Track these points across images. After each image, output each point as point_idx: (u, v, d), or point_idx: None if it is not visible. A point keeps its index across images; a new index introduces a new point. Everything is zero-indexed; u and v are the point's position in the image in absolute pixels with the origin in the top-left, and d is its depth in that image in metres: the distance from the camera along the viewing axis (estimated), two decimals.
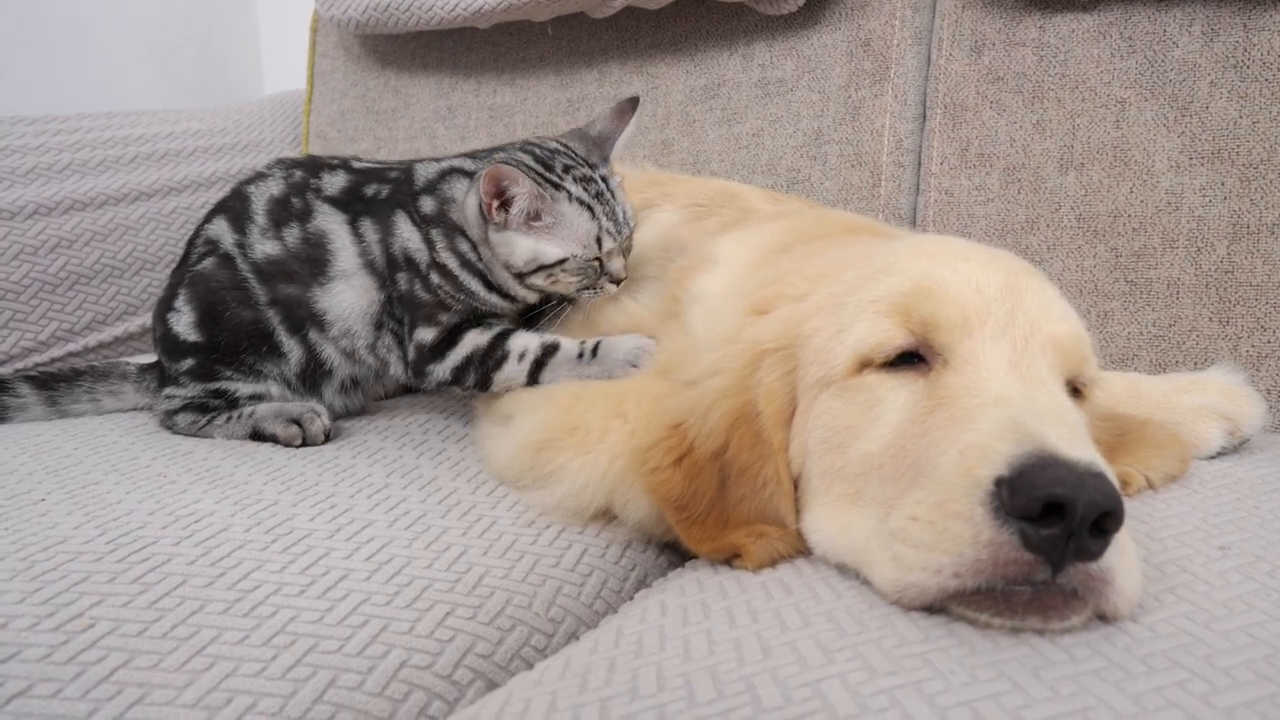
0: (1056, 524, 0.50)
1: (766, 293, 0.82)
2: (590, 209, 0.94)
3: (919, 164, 1.34)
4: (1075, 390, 0.69)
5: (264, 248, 1.01)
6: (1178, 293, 1.13)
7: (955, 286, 0.65)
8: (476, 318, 0.99)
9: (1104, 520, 0.50)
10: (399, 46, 1.84)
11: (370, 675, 0.61)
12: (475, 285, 0.96)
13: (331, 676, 0.60)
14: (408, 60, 1.84)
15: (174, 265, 1.10)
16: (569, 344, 0.94)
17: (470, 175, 0.98)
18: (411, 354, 0.98)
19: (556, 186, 0.93)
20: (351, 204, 1.00)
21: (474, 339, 0.96)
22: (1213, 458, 0.85)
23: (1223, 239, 1.10)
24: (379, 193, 1.00)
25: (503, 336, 0.96)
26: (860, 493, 0.64)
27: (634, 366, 0.89)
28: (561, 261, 0.93)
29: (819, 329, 0.71)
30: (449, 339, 0.96)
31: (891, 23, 1.34)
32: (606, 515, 0.85)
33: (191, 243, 1.07)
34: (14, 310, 1.39)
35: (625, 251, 0.99)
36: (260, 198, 1.03)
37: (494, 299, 0.98)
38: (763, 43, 1.46)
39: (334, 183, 1.02)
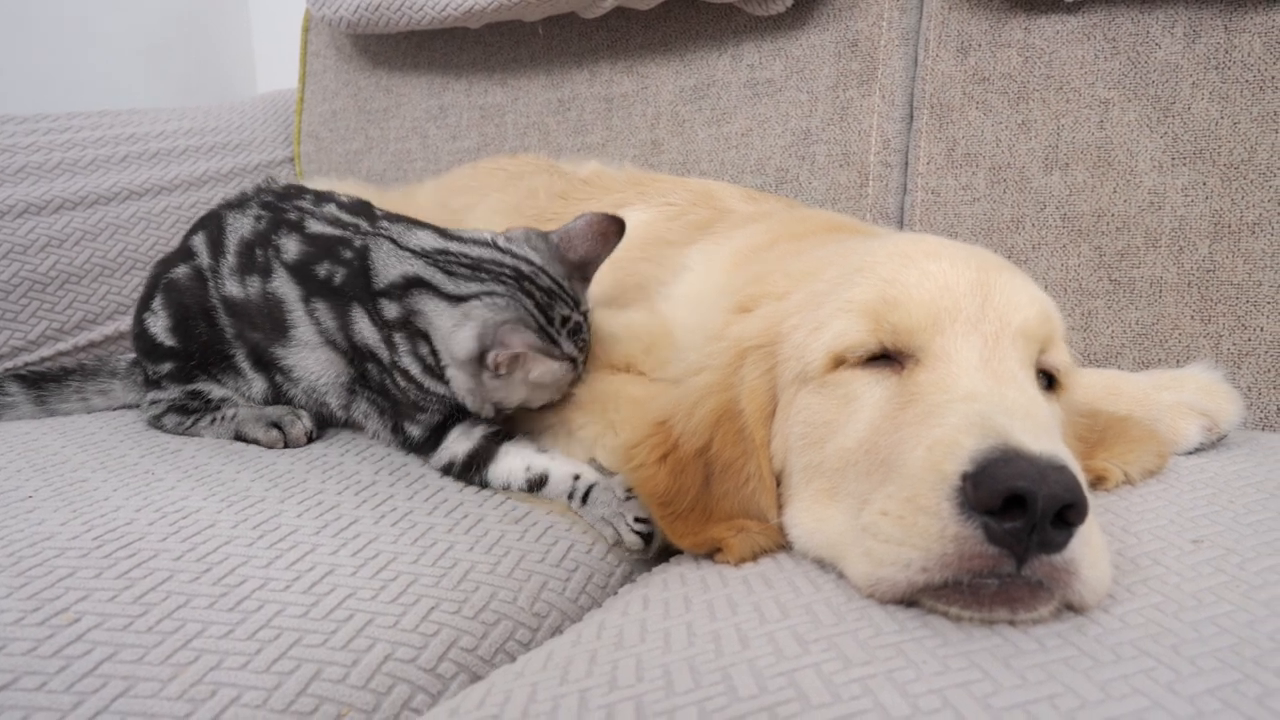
0: (1019, 517, 0.51)
1: (750, 291, 0.82)
2: (574, 362, 0.91)
3: (906, 164, 1.35)
4: (1051, 380, 0.70)
5: (232, 288, 0.97)
6: (1160, 291, 1.14)
7: (922, 290, 0.66)
8: (460, 413, 0.93)
9: (1066, 513, 0.51)
10: (390, 46, 1.85)
11: (354, 669, 0.62)
12: (440, 389, 0.90)
13: (316, 670, 0.61)
14: (399, 60, 1.84)
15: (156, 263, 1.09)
16: (559, 481, 0.87)
17: (448, 299, 0.88)
18: (406, 442, 0.95)
19: (553, 343, 0.89)
20: (304, 280, 0.94)
21: (451, 448, 0.91)
22: (1191, 453, 0.86)
23: (1204, 238, 1.11)
24: (332, 276, 0.92)
25: (480, 460, 0.90)
26: (837, 488, 0.65)
27: (625, 521, 0.83)
28: (544, 406, 0.93)
29: (798, 326, 0.72)
30: (434, 438, 0.93)
31: (879, 24, 1.35)
32: None
33: (181, 245, 1.06)
34: (3, 309, 1.39)
35: None
36: (234, 234, 0.99)
37: (456, 398, 0.92)
38: (751, 43, 1.46)
39: (290, 248, 0.95)
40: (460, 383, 0.89)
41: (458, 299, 0.88)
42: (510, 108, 1.71)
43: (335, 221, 0.98)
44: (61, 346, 1.44)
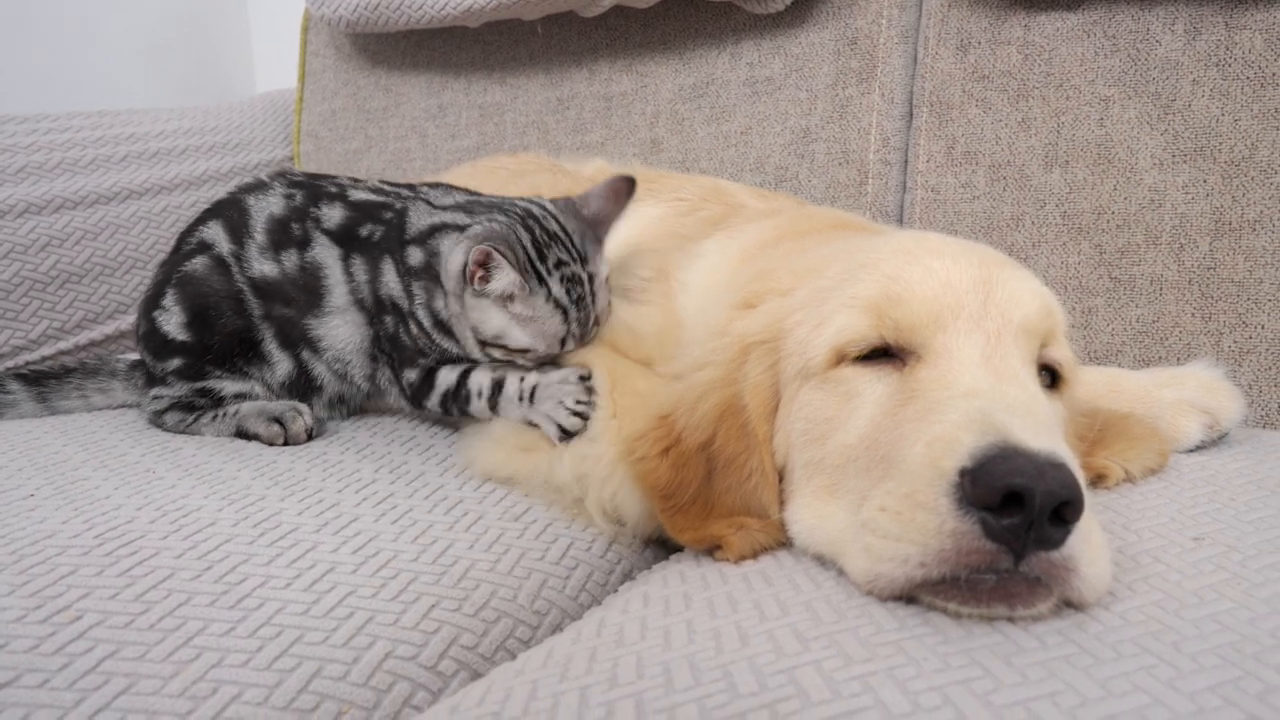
0: (1016, 513, 0.51)
1: (755, 287, 0.83)
2: (565, 313, 0.92)
3: (905, 162, 1.35)
4: (1052, 379, 0.70)
5: (262, 267, 1.00)
6: (1161, 289, 1.14)
7: (925, 286, 0.66)
8: (451, 359, 0.98)
9: (1063, 510, 0.51)
10: (390, 45, 1.85)
11: (355, 666, 0.62)
12: (447, 343, 0.96)
13: (317, 667, 0.61)
14: (398, 59, 1.84)
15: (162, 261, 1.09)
16: (511, 385, 0.94)
17: (462, 229, 0.94)
18: (407, 390, 1.00)
19: (540, 281, 0.91)
20: (346, 241, 0.99)
21: (445, 378, 0.97)
22: (1192, 451, 0.86)
23: (1205, 235, 1.11)
24: (372, 234, 0.98)
25: (466, 374, 0.97)
26: (838, 484, 0.65)
27: (564, 407, 0.88)
28: (524, 350, 0.93)
29: (801, 322, 0.72)
30: (429, 378, 0.97)
31: (878, 21, 1.35)
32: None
33: (183, 239, 1.06)
34: (4, 308, 1.39)
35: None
36: (260, 214, 1.01)
37: (461, 351, 0.97)
38: (751, 41, 1.46)
39: (332, 215, 1.00)
40: (454, 308, 0.93)
41: (468, 229, 0.93)
42: (509, 106, 1.71)
43: (379, 190, 1.03)
44: (62, 346, 1.44)
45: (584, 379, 0.90)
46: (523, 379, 0.93)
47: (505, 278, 0.89)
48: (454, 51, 1.77)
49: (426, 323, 0.95)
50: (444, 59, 1.78)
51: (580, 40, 1.63)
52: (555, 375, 0.91)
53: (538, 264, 0.91)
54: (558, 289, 0.92)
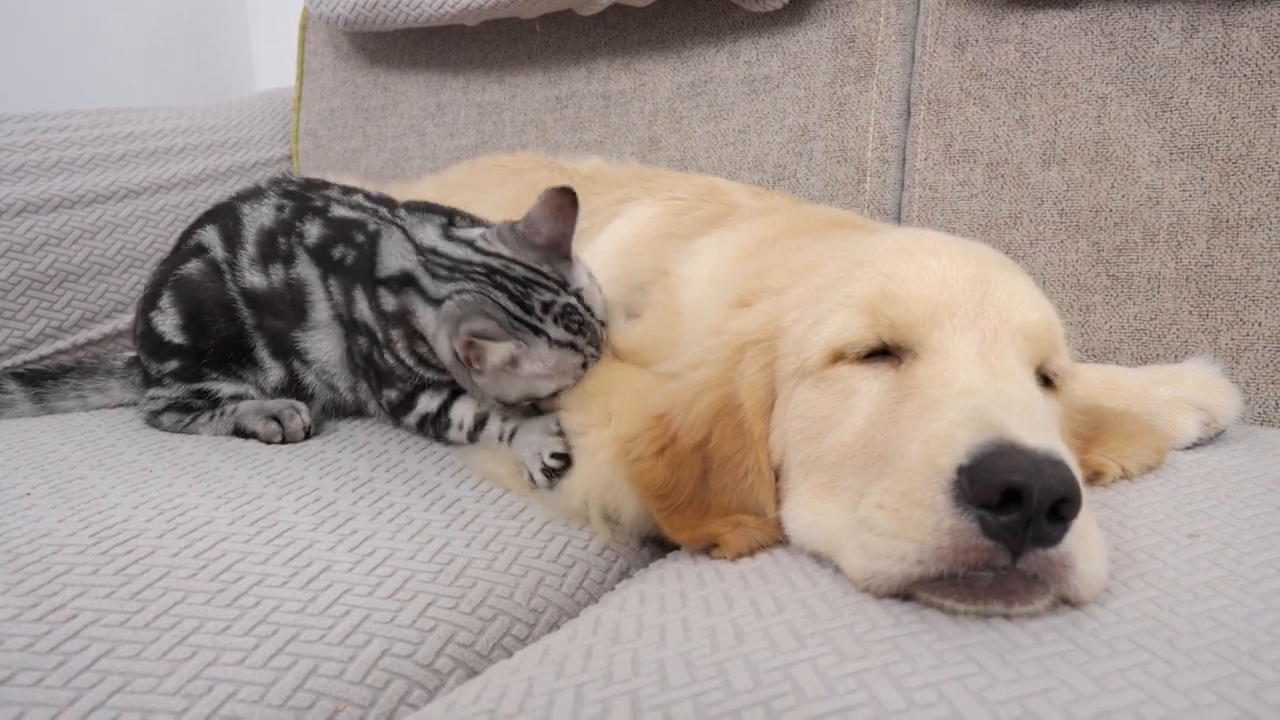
0: (1014, 511, 0.51)
1: (751, 286, 0.82)
2: (574, 345, 0.90)
3: (903, 160, 1.35)
4: (1047, 381, 0.70)
5: (252, 278, 1.00)
6: (1158, 287, 1.14)
7: (921, 284, 0.66)
8: (432, 385, 1.00)
9: (1061, 507, 0.51)
10: (388, 44, 1.85)
11: (351, 664, 0.62)
12: (430, 374, 0.97)
13: (313, 665, 0.61)
14: (397, 58, 1.84)
15: (161, 261, 1.09)
16: (493, 424, 0.95)
17: (431, 302, 0.91)
18: (385, 407, 1.01)
19: (536, 331, 0.89)
20: (323, 262, 0.99)
21: (425, 403, 0.99)
22: (1189, 448, 0.86)
23: (1202, 233, 1.11)
24: (344, 257, 0.98)
25: (447, 404, 0.98)
26: (834, 482, 0.65)
27: (540, 459, 0.87)
28: (554, 394, 0.92)
29: (797, 321, 0.72)
30: (408, 400, 0.99)
31: (876, 19, 1.35)
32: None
33: (182, 240, 1.06)
34: (2, 308, 1.39)
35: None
36: (252, 224, 1.02)
37: (446, 378, 0.97)
38: (749, 39, 1.46)
39: (312, 232, 1.00)
40: (466, 382, 0.94)
41: (437, 301, 0.92)
42: (508, 105, 1.71)
43: (357, 207, 1.03)
44: (60, 345, 1.44)
45: (559, 432, 0.89)
46: (504, 419, 0.94)
47: (498, 353, 0.87)
48: (452, 50, 1.77)
49: (410, 361, 0.95)
50: (442, 58, 1.78)
51: (578, 39, 1.62)
52: (537, 424, 0.91)
53: (527, 317, 0.89)
54: (557, 331, 0.89)
